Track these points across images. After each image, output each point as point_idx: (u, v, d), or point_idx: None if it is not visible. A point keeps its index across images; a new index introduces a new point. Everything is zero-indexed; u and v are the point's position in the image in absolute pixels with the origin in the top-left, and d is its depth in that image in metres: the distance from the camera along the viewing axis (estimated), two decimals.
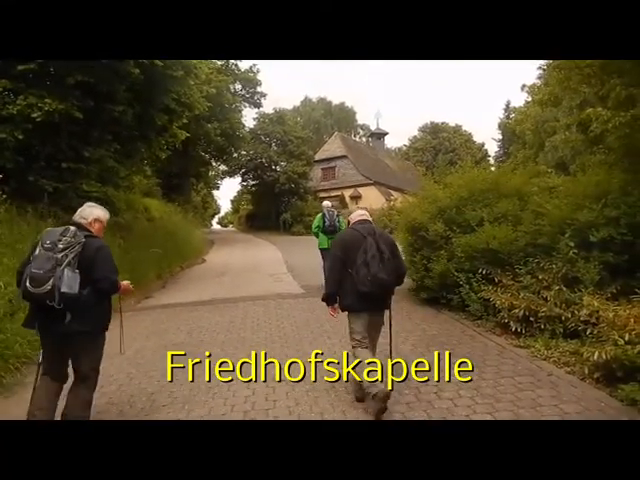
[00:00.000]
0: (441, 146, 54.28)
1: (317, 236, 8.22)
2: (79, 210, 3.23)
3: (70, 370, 3.16)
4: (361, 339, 3.61)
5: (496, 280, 5.59)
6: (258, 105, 30.83)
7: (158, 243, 11.24)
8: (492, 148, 63.23)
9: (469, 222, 6.24)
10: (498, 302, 5.26)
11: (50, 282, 2.78)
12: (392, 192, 34.59)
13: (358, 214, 3.91)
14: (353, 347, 3.63)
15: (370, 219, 3.88)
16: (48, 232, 2.97)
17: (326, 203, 8.65)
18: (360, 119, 67.53)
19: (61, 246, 2.88)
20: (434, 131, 56.59)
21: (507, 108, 43.69)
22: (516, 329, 5.03)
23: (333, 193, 34.14)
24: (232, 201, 57.82)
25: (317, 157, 37.08)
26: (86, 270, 2.93)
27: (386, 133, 47.41)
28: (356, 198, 34.39)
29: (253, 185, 34.29)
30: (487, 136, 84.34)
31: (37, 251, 2.88)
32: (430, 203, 6.94)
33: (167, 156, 13.50)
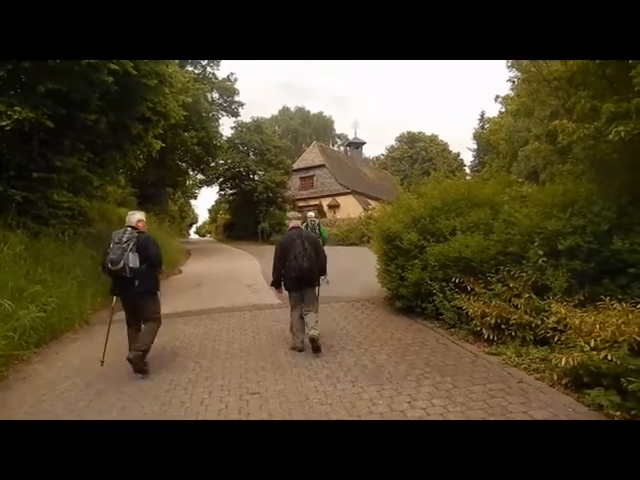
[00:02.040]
0: (418, 155, 55.05)
1: None
2: (127, 217, 5.11)
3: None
4: (294, 305, 5.50)
5: (469, 288, 5.68)
6: (236, 114, 30.87)
7: None
8: (468, 157, 64.57)
9: (442, 231, 6.33)
10: (471, 310, 5.34)
11: (122, 262, 4.67)
12: (370, 201, 34.89)
13: (293, 223, 5.67)
14: (291, 310, 5.58)
15: (300, 226, 5.71)
16: (115, 233, 4.87)
17: (310, 214, 9.77)
18: (338, 128, 67.93)
19: (124, 239, 4.77)
20: (411, 140, 57.39)
21: (482, 118, 44.68)
22: (488, 336, 5.11)
23: (311, 202, 34.30)
24: (210, 210, 57.46)
25: (295, 166, 37.18)
26: (142, 252, 4.80)
27: (364, 142, 47.87)
28: (334, 207, 34.58)
29: (231, 194, 34.11)
30: (463, 146, 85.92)
31: (111, 245, 4.76)
32: (404, 212, 7.01)
33: (143, 165, 13.34)
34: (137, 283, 4.77)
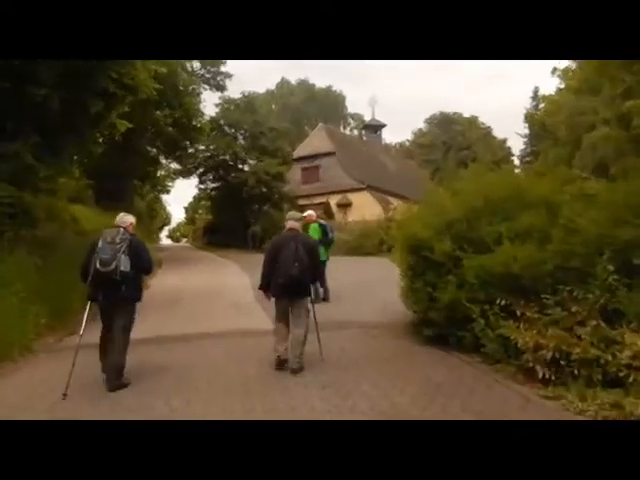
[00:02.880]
0: (453, 142, 55.25)
1: None
2: (118, 217, 6.01)
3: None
4: (279, 316, 6.18)
5: (518, 313, 5.66)
6: (221, 88, 31.27)
7: None
8: (517, 145, 64.59)
9: (484, 239, 6.33)
10: (521, 341, 5.30)
11: (114, 263, 5.37)
12: (391, 199, 34.94)
13: (290, 224, 6.30)
14: (275, 321, 6.29)
15: (298, 228, 6.36)
16: (107, 232, 5.64)
17: (310, 212, 10.57)
18: (351, 107, 68.40)
19: (118, 240, 5.52)
20: (444, 123, 57.63)
21: (535, 96, 44.78)
22: (543, 375, 5.07)
23: (316, 200, 34.36)
24: (186, 209, 57.75)
25: (296, 154, 37.41)
26: (134, 256, 5.58)
27: (383, 125, 48.11)
28: (345, 207, 34.67)
29: (214, 189, 34.37)
30: (510, 130, 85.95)
31: (101, 244, 5.47)
32: (435, 215, 7.01)
33: (103, 151, 13.48)
34: (124, 288, 5.49)
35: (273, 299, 6.27)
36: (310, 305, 6.31)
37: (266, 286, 6.20)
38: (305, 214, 10.66)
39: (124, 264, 5.45)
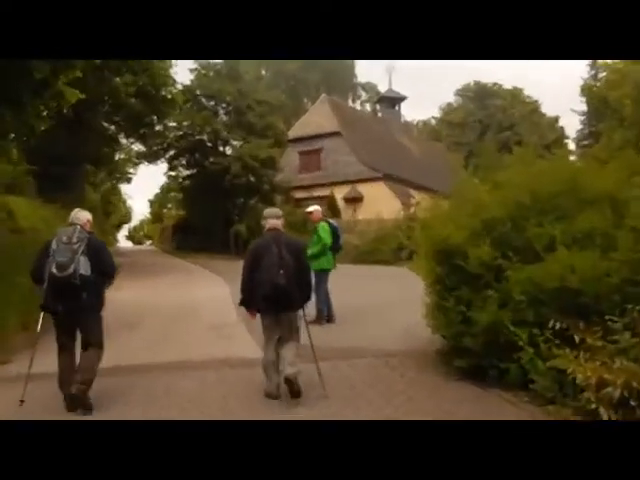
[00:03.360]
0: (491, 120, 55.38)
1: (320, 255, 10.11)
2: (72, 214, 6.37)
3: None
4: (269, 334, 6.44)
5: (577, 339, 5.62)
6: None
7: (27, 269, 11.03)
8: (572, 124, 64.63)
9: (533, 245, 6.32)
10: (580, 375, 5.26)
11: (72, 266, 5.71)
12: (413, 192, 35.00)
13: (270, 223, 6.58)
14: (264, 346, 6.57)
15: (280, 226, 6.61)
16: (61, 231, 6.03)
17: (315, 208, 10.93)
18: (362, 75, 68.51)
19: (75, 240, 5.87)
20: (480, 96, 57.74)
21: (593, 63, 44.69)
22: (609, 419, 5.04)
23: (317, 192, 34.45)
24: (152, 202, 57.56)
25: (292, 134, 37.49)
26: (94, 258, 5.95)
27: (403, 98, 48.18)
28: (354, 201, 34.72)
29: (187, 177, 34.50)
30: (564, 106, 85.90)
31: (56, 246, 5.85)
32: (471, 213, 7.02)
33: (48, 128, 13.47)
34: (85, 295, 5.85)
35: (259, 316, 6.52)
36: (301, 322, 6.58)
37: (248, 301, 6.42)
38: (311, 209, 10.73)
39: (84, 267, 5.80)
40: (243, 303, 6.52)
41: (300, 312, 6.53)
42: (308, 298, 6.59)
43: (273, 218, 6.63)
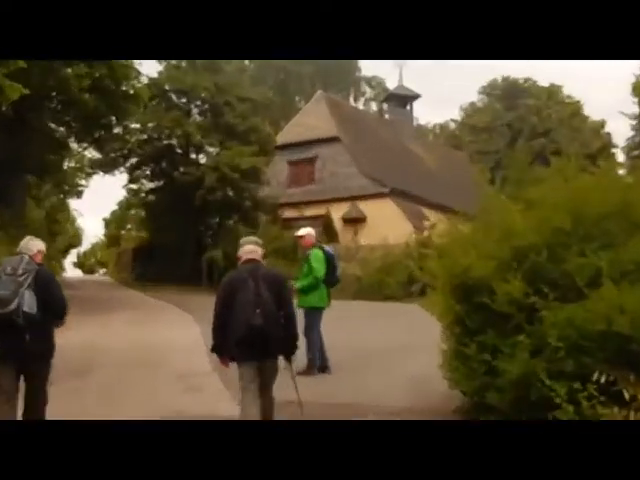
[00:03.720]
0: (523, 124, 55.76)
1: (311, 289, 10.00)
2: (23, 243, 6.65)
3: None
4: (246, 385, 6.38)
5: (627, 396, 5.61)
6: None
7: None
8: (622, 130, 65.10)
9: (574, 278, 6.28)
10: None
11: (15, 302, 5.86)
12: (426, 211, 35.09)
13: (246, 250, 6.73)
14: (242, 394, 6.49)
15: (258, 257, 6.71)
16: (6, 261, 6.30)
17: (309, 232, 10.66)
18: (367, 68, 69.04)
19: (20, 271, 6.06)
20: (510, 95, 58.21)
21: None
22: None
23: (309, 211, 34.58)
24: (107, 222, 57.60)
25: (281, 139, 37.64)
26: (41, 293, 6.13)
27: (416, 96, 48.72)
28: (355, 222, 34.75)
29: (151, 191, 34.52)
30: (612, 109, 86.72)
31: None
32: (498, 239, 7.02)
33: None
34: (28, 337, 6.00)
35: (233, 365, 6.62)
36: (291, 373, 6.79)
37: (220, 346, 6.56)
38: (302, 232, 10.61)
39: (28, 303, 5.94)
40: (215, 349, 6.62)
41: (282, 360, 6.64)
42: (294, 341, 6.67)
43: (250, 245, 6.76)
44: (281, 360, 6.65)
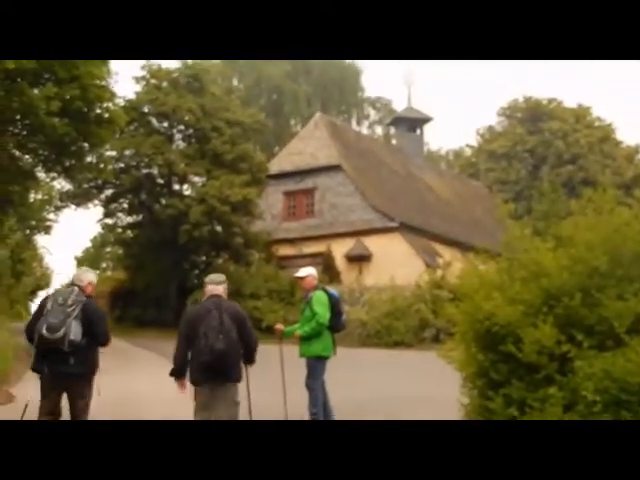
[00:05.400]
0: (547, 150, 55.77)
1: (314, 336, 10.03)
2: (75, 274, 8.35)
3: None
4: (203, 414, 7.56)
5: None
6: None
7: None
8: None
9: (611, 324, 6.28)
10: None
11: (62, 330, 7.29)
12: (439, 247, 35.04)
13: (211, 289, 8.05)
14: (194, 412, 7.72)
15: (222, 293, 8.06)
16: (58, 292, 7.91)
17: (310, 272, 10.67)
18: (372, 87, 69.31)
19: (70, 302, 7.50)
20: (532, 117, 58.32)
21: None
22: None
23: (308, 248, 34.59)
24: (80, 260, 57.27)
25: (276, 168, 37.73)
26: (87, 324, 7.55)
27: (427, 119, 49.11)
28: (360, 260, 34.62)
29: (130, 226, 34.48)
30: None
31: (50, 306, 7.49)
32: (526, 281, 7.02)
33: None
34: (72, 361, 7.47)
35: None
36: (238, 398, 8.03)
37: (179, 371, 7.86)
38: (302, 273, 10.62)
39: (74, 332, 7.40)
40: (174, 373, 7.88)
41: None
42: (251, 360, 8.17)
43: (214, 284, 8.12)
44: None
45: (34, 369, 7.73)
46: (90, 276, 8.20)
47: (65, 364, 7.41)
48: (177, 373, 7.85)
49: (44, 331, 7.30)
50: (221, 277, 8.36)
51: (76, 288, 7.76)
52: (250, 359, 8.09)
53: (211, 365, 7.45)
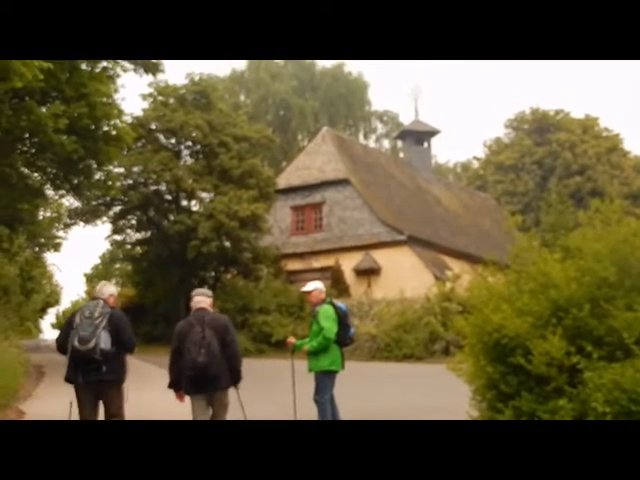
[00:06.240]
0: (555, 161, 55.66)
1: (322, 351, 9.98)
2: (97, 288, 8.95)
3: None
4: (197, 415, 8.28)
5: None
6: (154, 68, 31.39)
7: None
8: None
9: (621, 335, 6.25)
10: None
11: (93, 341, 7.99)
12: (449, 260, 34.95)
13: (196, 301, 8.75)
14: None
15: (208, 306, 8.76)
16: (85, 306, 8.62)
17: (318, 286, 10.68)
18: (379, 101, 69.34)
19: (97, 315, 8.23)
20: (540, 129, 58.25)
21: None
22: None
23: (317, 262, 34.58)
24: (89, 277, 57.21)
25: (283, 183, 37.65)
26: (115, 333, 8.28)
27: (435, 132, 49.04)
28: (369, 273, 34.56)
29: (138, 242, 34.43)
30: None
31: (79, 320, 8.21)
32: (534, 293, 7.01)
33: None
34: (105, 369, 8.09)
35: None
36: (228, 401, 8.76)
37: (175, 383, 8.56)
38: (309, 287, 10.62)
39: (104, 341, 8.08)
40: (171, 385, 8.65)
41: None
42: (237, 375, 8.51)
43: (201, 296, 8.82)
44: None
45: (67, 379, 8.34)
46: (111, 289, 8.91)
47: (98, 372, 8.05)
48: (173, 386, 8.56)
49: (76, 343, 7.95)
50: (206, 291, 9.10)
51: (101, 301, 8.41)
52: (234, 369, 8.36)
53: (195, 378, 8.10)
